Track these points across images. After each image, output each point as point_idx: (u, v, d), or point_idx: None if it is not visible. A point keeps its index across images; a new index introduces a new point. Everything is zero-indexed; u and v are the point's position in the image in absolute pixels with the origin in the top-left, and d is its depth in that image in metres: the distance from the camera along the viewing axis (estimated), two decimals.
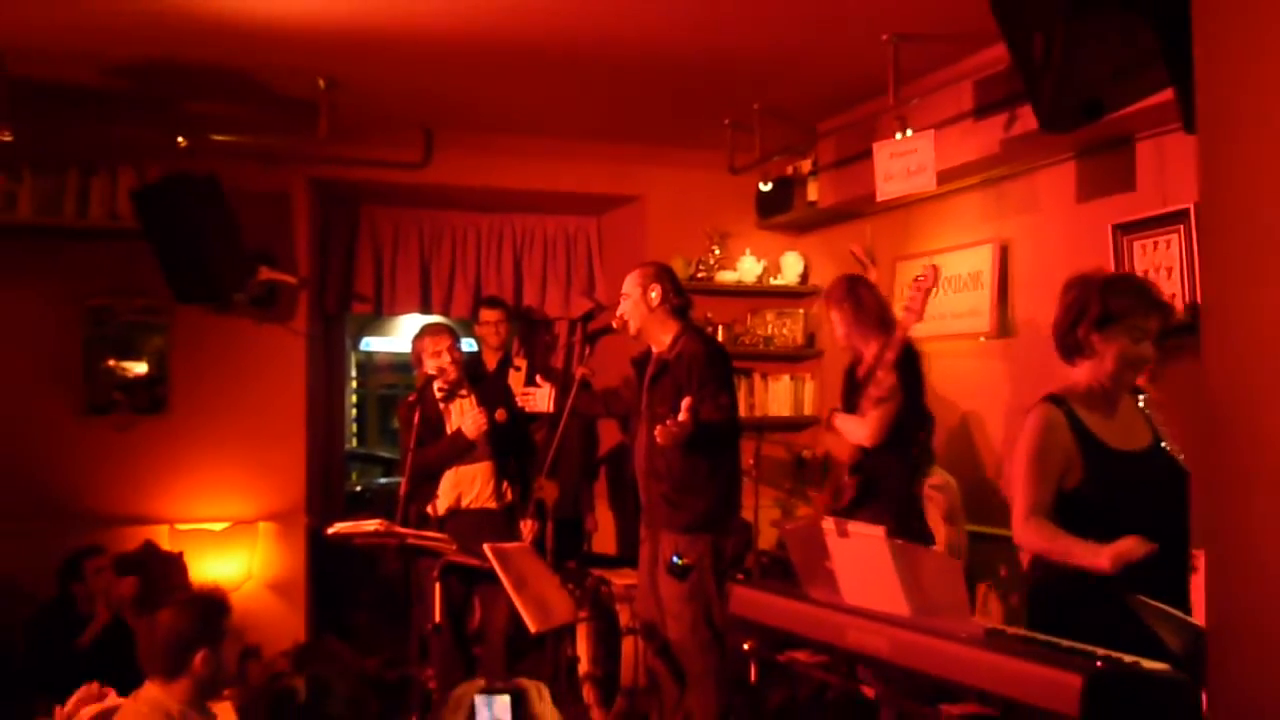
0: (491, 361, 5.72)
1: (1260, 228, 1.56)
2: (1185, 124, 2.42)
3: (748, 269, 6.07)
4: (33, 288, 5.30)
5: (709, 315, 5.89)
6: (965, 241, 4.89)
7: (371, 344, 11.95)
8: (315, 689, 2.55)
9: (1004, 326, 4.69)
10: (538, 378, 4.75)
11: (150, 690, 2.74)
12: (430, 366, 4.60)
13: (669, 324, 4.17)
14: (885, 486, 4.11)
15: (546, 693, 2.98)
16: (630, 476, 4.47)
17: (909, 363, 4.10)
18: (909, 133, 4.29)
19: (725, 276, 6.07)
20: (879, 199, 4.53)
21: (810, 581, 2.59)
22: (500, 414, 4.62)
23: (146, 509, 5.36)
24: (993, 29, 3.14)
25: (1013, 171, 4.63)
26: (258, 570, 5.48)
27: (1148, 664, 1.98)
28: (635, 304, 4.18)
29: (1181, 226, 3.77)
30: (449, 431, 4.61)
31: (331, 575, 5.80)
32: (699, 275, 5.99)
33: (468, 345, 5.65)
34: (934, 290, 3.99)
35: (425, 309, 6.32)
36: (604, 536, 6.10)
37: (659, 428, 3.83)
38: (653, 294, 4.16)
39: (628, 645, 4.45)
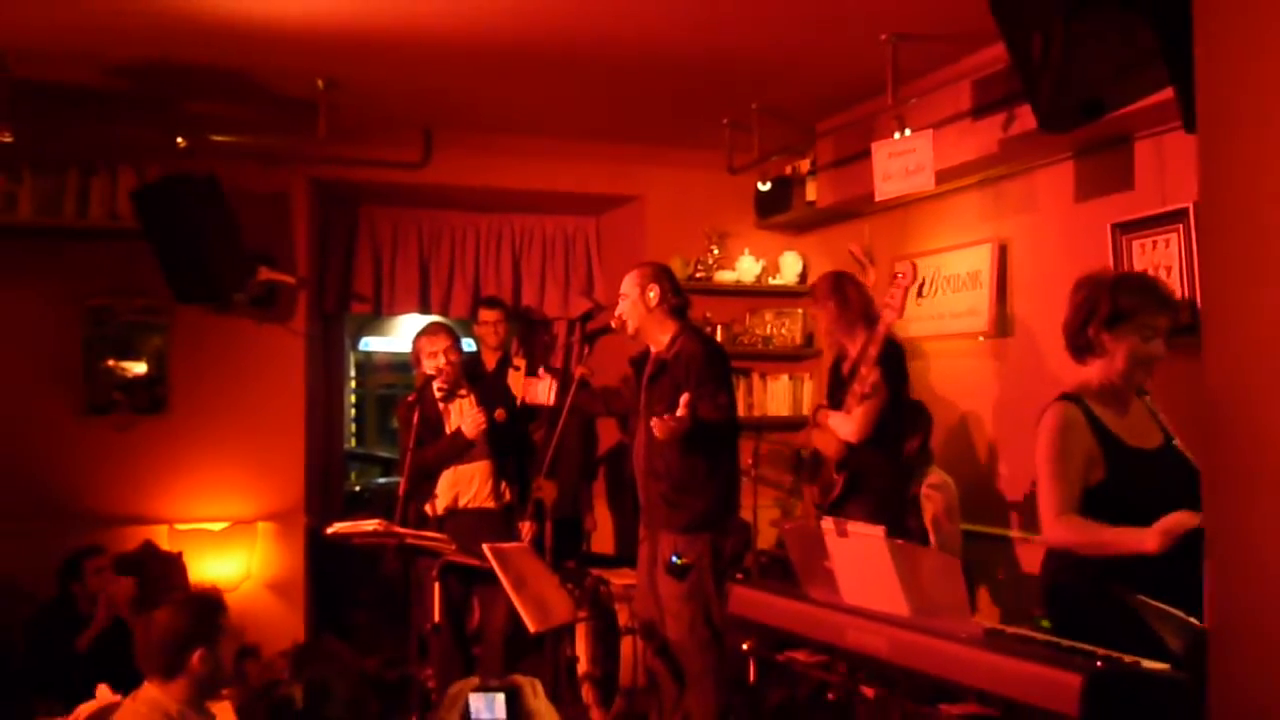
0: (490, 361, 5.72)
1: (1260, 227, 1.56)
2: (1185, 123, 2.41)
3: (746, 269, 6.07)
4: (33, 288, 5.30)
5: (708, 315, 5.89)
6: (964, 241, 4.89)
7: (370, 344, 11.93)
8: (313, 693, 2.56)
9: (1002, 326, 4.69)
10: (540, 369, 4.75)
11: (148, 690, 2.74)
12: (429, 366, 4.60)
13: (667, 324, 4.18)
14: (872, 482, 4.14)
15: (541, 688, 2.98)
16: (629, 476, 4.47)
17: (892, 359, 4.12)
18: (907, 132, 4.29)
19: (724, 276, 6.07)
20: (877, 199, 4.53)
21: (809, 581, 2.59)
22: (500, 414, 4.62)
23: (146, 509, 5.36)
24: (991, 28, 3.14)
25: (1011, 171, 4.63)
26: (257, 570, 5.48)
27: (1148, 664, 1.98)
28: (634, 304, 4.18)
29: (1180, 226, 3.77)
30: (448, 431, 4.61)
31: (330, 575, 5.80)
32: (698, 275, 6.00)
33: (467, 345, 5.65)
34: (913, 286, 4.05)
35: (424, 309, 6.32)
36: (603, 536, 6.10)
37: (655, 421, 3.83)
38: (651, 294, 4.16)
39: (627, 645, 4.45)
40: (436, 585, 4.09)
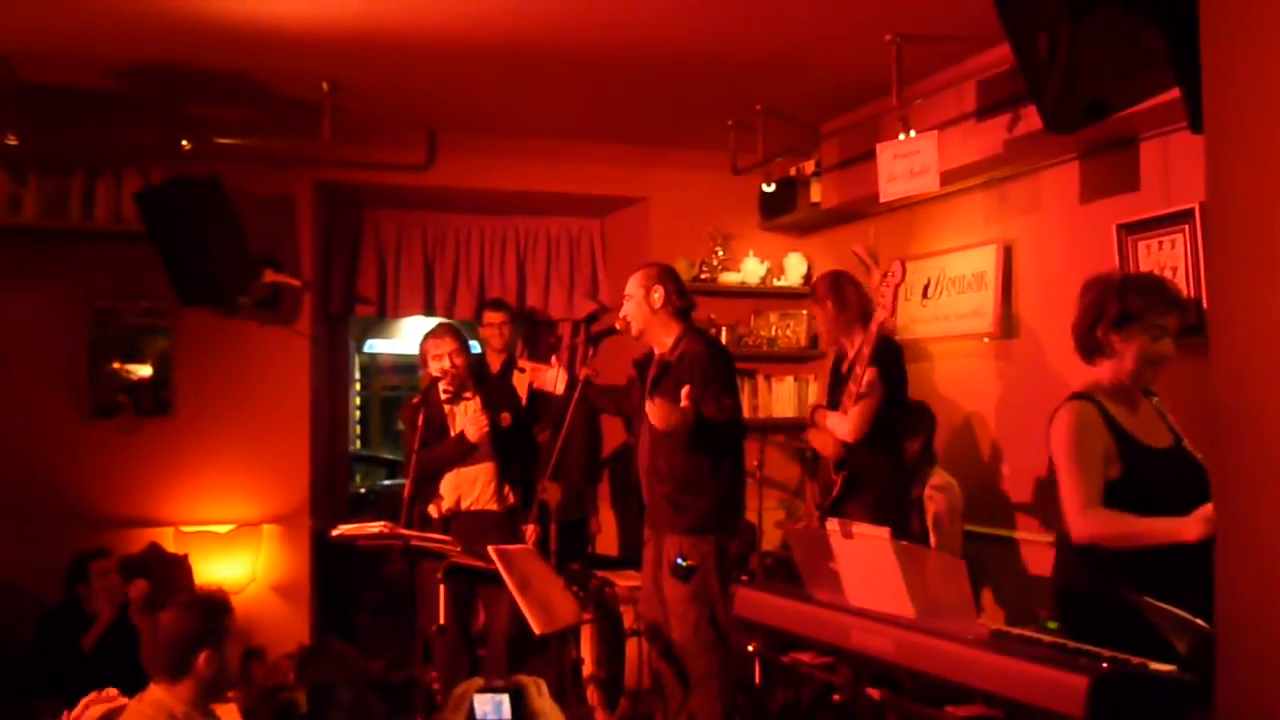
0: (495, 363, 5.72)
1: (1267, 227, 1.56)
2: (1191, 124, 2.41)
3: (751, 270, 6.07)
4: (38, 290, 5.31)
5: (712, 316, 5.89)
6: (969, 242, 4.89)
7: (375, 346, 11.94)
8: (318, 698, 2.56)
9: (1008, 327, 4.68)
10: (553, 358, 4.73)
11: (155, 692, 2.74)
12: (435, 368, 4.60)
13: (671, 325, 4.17)
14: (871, 481, 4.13)
15: (545, 688, 2.98)
16: (634, 478, 4.46)
17: (888, 358, 4.12)
18: (912, 133, 4.29)
19: (728, 278, 6.07)
20: (882, 200, 4.53)
21: (814, 583, 2.59)
22: (505, 418, 4.61)
23: (151, 511, 5.37)
24: (996, 29, 3.13)
25: (1016, 172, 4.62)
26: (262, 572, 5.49)
27: (1154, 665, 1.98)
28: (638, 305, 4.18)
29: (1186, 226, 3.76)
30: (453, 434, 4.61)
31: (336, 577, 5.81)
32: (702, 276, 6.00)
33: (473, 347, 5.65)
34: (902, 284, 4.04)
35: (429, 311, 6.33)
36: (607, 538, 6.10)
37: (649, 403, 3.81)
38: (655, 295, 4.15)
39: (632, 647, 4.45)
40: (442, 587, 4.09)
